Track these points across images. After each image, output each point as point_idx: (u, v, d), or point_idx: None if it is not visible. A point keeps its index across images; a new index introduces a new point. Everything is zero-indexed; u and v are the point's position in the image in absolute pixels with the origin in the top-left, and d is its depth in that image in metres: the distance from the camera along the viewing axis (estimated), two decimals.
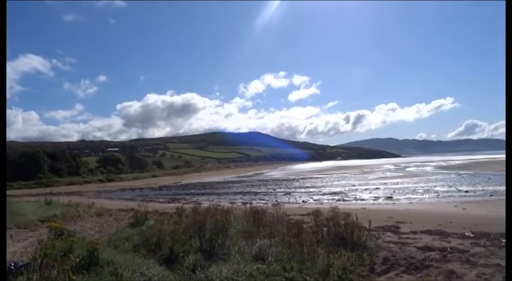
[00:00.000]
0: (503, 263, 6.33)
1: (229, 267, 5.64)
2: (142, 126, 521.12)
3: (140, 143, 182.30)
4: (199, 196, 28.97)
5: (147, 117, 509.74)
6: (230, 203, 20.03)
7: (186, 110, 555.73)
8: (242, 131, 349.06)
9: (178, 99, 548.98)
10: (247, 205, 14.18)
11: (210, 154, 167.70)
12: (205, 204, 14.59)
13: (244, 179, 54.93)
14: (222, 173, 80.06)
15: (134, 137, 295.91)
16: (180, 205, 15.79)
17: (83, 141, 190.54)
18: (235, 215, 10.15)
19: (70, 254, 5.51)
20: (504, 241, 8.36)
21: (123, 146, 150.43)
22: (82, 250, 5.85)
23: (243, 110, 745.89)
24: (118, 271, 5.32)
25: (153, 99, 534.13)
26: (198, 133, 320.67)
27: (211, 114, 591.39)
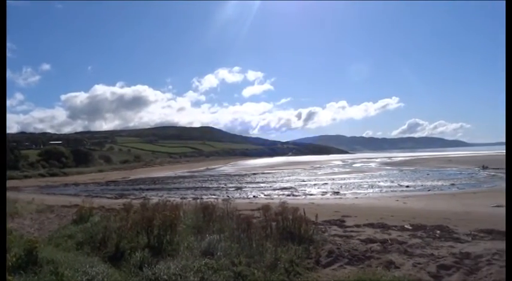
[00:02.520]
0: (436, 253, 6.83)
1: (178, 263, 5.60)
2: (88, 119, 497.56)
3: (86, 136, 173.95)
4: (148, 192, 28.32)
5: (94, 109, 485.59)
6: (181, 198, 19.76)
7: (137, 102, 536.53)
8: (195, 125, 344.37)
9: (128, 91, 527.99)
10: (198, 200, 14.07)
11: (161, 149, 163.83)
12: (155, 199, 14.28)
13: (196, 174, 54.44)
14: (173, 168, 78.66)
15: (80, 129, 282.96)
16: (128, 200, 15.33)
17: (22, 133, 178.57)
18: (185, 210, 10.03)
19: (6, 254, 5.21)
20: (439, 232, 9.01)
21: (67, 139, 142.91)
22: (19, 248, 5.55)
23: (196, 104, 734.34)
24: (59, 270, 5.11)
25: (101, 90, 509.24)
26: (148, 127, 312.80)
27: (163, 108, 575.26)
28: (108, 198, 23.69)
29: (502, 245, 7.12)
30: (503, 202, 16.42)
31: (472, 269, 5.82)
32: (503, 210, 13.53)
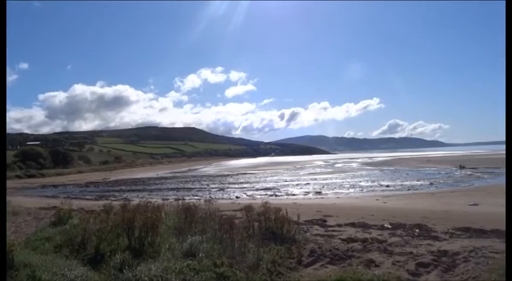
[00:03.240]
0: (415, 251, 6.96)
1: (159, 265, 5.54)
2: (67, 119, 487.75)
3: (65, 137, 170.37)
4: (129, 193, 27.93)
5: (73, 109, 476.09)
6: (162, 199, 19.60)
7: (118, 102, 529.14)
8: (177, 126, 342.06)
9: (109, 91, 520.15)
10: (180, 201, 13.97)
11: (142, 149, 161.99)
12: (136, 201, 14.12)
13: (178, 175, 53.97)
14: (154, 168, 77.82)
15: (58, 130, 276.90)
16: (108, 202, 15.11)
17: None
18: (167, 211, 9.97)
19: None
20: (418, 230, 9.19)
21: (45, 139, 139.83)
22: None
23: (179, 104, 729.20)
24: (36, 273, 5.00)
25: (81, 90, 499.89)
26: (130, 127, 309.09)
27: (145, 108, 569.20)
28: (88, 199, 23.28)
29: (478, 242, 7.34)
30: (480, 200, 16.94)
31: (450, 266, 5.96)
32: (479, 208, 13.95)
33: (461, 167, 41.90)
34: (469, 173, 35.50)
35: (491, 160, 55.54)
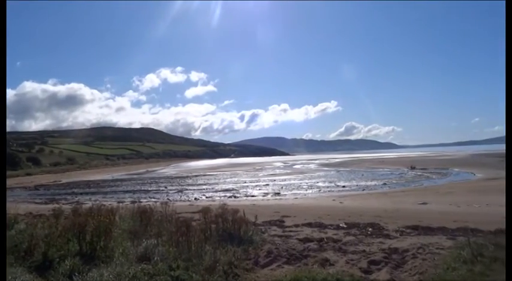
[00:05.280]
0: (368, 249, 7.19)
1: (112, 270, 5.36)
2: (16, 118, 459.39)
3: (12, 137, 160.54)
4: (82, 196, 26.86)
5: (22, 108, 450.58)
6: (118, 202, 19.00)
7: (71, 101, 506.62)
8: (134, 126, 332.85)
9: (62, 89, 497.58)
10: (136, 204, 13.60)
11: (97, 150, 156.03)
12: (89, 204, 13.57)
13: (135, 176, 52.55)
14: (110, 170, 75.25)
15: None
16: (59, 205, 14.44)
17: None
18: (122, 214, 9.65)
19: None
20: (371, 229, 9.51)
21: None
22: None
23: (137, 104, 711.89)
24: None
25: (31, 87, 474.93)
26: (84, 127, 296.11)
27: (101, 108, 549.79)
28: (37, 203, 22.11)
29: (425, 239, 7.70)
30: (428, 199, 17.79)
31: (399, 263, 6.22)
32: (427, 207, 14.68)
33: (412, 168, 43.99)
34: (419, 173, 37.37)
35: (439, 161, 58.79)
